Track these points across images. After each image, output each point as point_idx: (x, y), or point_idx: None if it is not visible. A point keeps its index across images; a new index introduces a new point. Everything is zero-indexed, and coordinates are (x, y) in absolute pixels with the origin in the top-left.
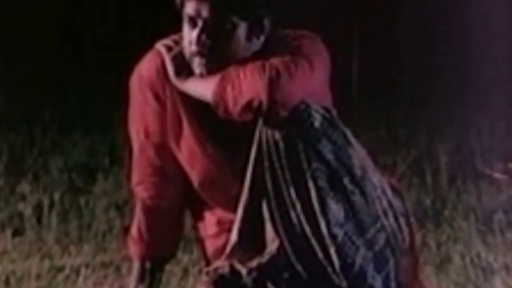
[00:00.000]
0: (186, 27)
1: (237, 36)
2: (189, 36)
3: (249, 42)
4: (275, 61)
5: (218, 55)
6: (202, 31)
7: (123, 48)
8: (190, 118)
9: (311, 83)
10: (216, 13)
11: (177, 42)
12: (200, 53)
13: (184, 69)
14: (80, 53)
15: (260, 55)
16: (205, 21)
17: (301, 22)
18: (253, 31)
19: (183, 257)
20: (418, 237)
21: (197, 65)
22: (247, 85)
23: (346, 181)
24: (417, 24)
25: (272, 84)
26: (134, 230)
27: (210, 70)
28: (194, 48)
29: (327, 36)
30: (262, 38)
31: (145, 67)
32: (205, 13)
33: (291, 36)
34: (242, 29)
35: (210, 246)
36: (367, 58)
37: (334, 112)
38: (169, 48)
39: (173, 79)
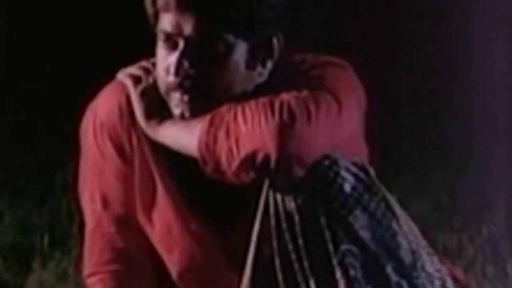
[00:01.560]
0: (161, 50)
1: (233, 61)
2: (166, 62)
3: (251, 70)
4: (288, 97)
5: (206, 89)
6: (183, 54)
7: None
8: (166, 180)
9: (339, 130)
10: (203, 29)
11: (148, 71)
12: (181, 86)
13: (157, 109)
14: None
15: (267, 89)
16: (187, 41)
17: (325, 43)
18: (257, 55)
19: None
20: None
21: (176, 103)
22: (248, 132)
23: (389, 269)
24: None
25: (284, 131)
26: None
27: (195, 110)
28: (172, 79)
29: (363, 63)
30: (269, 65)
31: (103, 107)
32: (188, 29)
33: (311, 62)
34: (240, 52)
35: None
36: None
37: (372, 170)
38: (136, 80)
39: (142, 124)
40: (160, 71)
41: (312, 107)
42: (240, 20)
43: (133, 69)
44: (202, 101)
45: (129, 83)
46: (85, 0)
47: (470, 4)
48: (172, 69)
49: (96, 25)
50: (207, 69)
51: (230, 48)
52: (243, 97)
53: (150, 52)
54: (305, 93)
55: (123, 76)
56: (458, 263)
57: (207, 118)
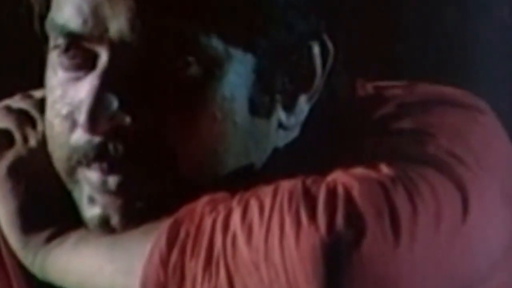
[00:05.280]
0: (57, 72)
1: (222, 98)
2: (67, 98)
3: (262, 118)
4: (349, 181)
5: (158, 162)
6: (107, 81)
7: None
8: None
9: (463, 256)
10: (153, 25)
11: (24, 119)
12: (102, 155)
13: (48, 212)
14: None
15: (299, 159)
16: (117, 51)
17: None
18: (276, 83)
19: None
20: None
21: (92, 195)
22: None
23: None
24: None
25: (337, 262)
26: None
27: (134, 213)
28: (83, 138)
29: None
30: (304, 106)
31: None
32: (118, 24)
33: (402, 98)
34: (239, 78)
35: None
36: None
37: None
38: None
39: (14, 244)
40: (53, 120)
41: (404, 206)
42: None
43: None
44: (150, 189)
45: None
46: None
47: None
48: (83, 117)
49: None
50: (160, 116)
51: (214, 69)
52: (247, 179)
53: None
54: (386, 171)
55: None
56: None
57: (160, 229)
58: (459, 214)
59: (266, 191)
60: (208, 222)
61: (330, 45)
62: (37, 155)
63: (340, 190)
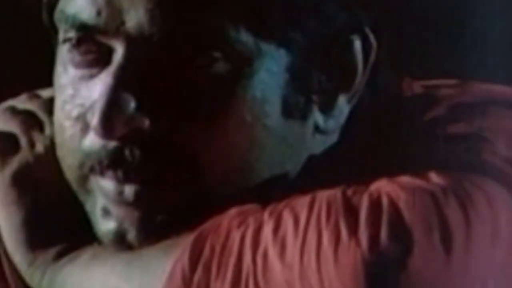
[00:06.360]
0: (67, 70)
1: (252, 98)
2: (78, 99)
3: (297, 120)
4: (393, 190)
5: (180, 169)
6: (123, 79)
7: None
8: None
9: None
10: (174, 17)
11: (32, 124)
12: (118, 161)
13: (56, 227)
14: None
15: (339, 167)
16: (133, 46)
17: None
18: (313, 81)
19: None
20: None
21: (106, 206)
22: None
23: None
24: None
25: (381, 271)
26: None
27: (153, 227)
28: (96, 142)
29: None
30: (344, 107)
31: None
32: (136, 17)
33: (456, 99)
34: (271, 75)
35: None
36: None
37: None
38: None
39: (18, 261)
40: (62, 122)
41: (457, 220)
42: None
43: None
44: (171, 201)
45: None
46: None
47: None
48: (96, 119)
49: None
50: (182, 118)
51: (243, 66)
52: (280, 189)
53: None
54: (436, 181)
55: None
56: None
57: (186, 244)
58: None
59: (301, 202)
60: (236, 237)
61: (373, 39)
62: (44, 161)
63: (385, 201)
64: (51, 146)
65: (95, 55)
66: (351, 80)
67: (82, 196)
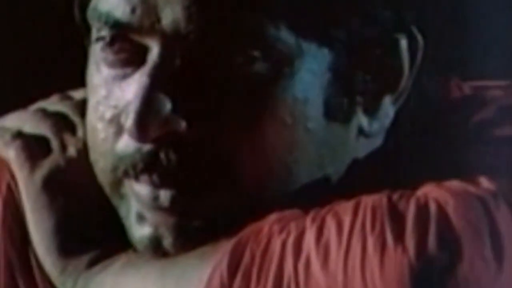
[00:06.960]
0: (100, 69)
1: (293, 99)
2: (112, 100)
3: (341, 122)
4: (438, 193)
5: (219, 172)
6: (158, 78)
7: None
8: None
9: None
10: (212, 15)
11: (63, 127)
12: (153, 166)
13: (87, 234)
14: None
15: (384, 172)
16: (169, 44)
17: None
18: (357, 82)
19: None
20: None
21: (141, 211)
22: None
23: None
24: None
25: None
26: None
27: (191, 232)
28: (131, 145)
29: None
30: (389, 107)
31: None
32: (172, 14)
33: (504, 102)
34: (314, 77)
35: None
36: None
37: None
38: (29, 158)
39: (50, 268)
40: (95, 125)
41: (508, 226)
42: None
43: (25, 123)
44: (208, 206)
45: (15, 165)
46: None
47: None
48: (130, 121)
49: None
50: (220, 120)
51: (284, 66)
52: (322, 194)
53: None
54: (486, 186)
55: (4, 143)
56: None
57: (223, 251)
58: None
59: (345, 208)
60: (277, 243)
61: (420, 38)
62: (77, 165)
63: (433, 206)
64: (84, 149)
65: (129, 54)
66: (396, 80)
67: (115, 201)
